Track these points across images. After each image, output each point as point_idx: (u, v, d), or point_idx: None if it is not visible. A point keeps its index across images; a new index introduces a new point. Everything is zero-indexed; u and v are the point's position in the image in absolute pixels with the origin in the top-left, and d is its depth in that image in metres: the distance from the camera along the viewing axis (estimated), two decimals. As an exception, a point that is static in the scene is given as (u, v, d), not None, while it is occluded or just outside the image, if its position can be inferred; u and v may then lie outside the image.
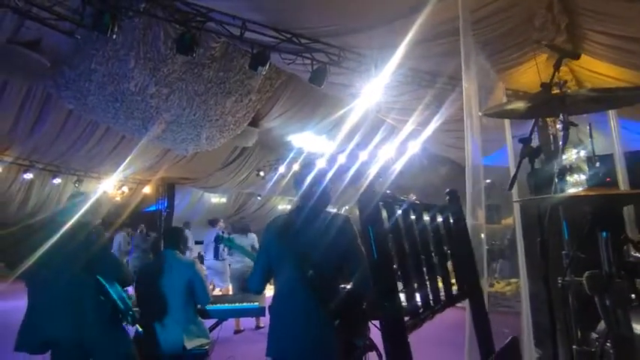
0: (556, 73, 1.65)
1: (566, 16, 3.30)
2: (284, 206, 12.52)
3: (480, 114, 2.11)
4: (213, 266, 5.66)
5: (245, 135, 6.43)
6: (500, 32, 3.62)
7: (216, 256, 5.90)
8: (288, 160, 8.12)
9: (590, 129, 2.61)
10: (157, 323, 2.56)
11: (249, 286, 2.11)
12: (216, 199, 11.52)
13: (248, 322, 5.09)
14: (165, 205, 9.52)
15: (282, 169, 8.66)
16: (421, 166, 8.53)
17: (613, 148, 4.58)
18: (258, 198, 11.87)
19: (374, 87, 4.52)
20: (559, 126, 1.51)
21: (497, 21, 3.49)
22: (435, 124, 4.33)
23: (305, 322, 1.81)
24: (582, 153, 5.03)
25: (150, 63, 4.55)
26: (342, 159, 7.61)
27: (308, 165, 2.14)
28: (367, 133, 6.59)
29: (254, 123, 6.46)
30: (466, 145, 2.10)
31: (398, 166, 7.50)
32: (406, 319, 0.96)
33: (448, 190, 1.30)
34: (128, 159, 7.01)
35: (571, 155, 5.17)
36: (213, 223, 7.19)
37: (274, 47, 4.10)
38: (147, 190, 9.50)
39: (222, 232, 3.01)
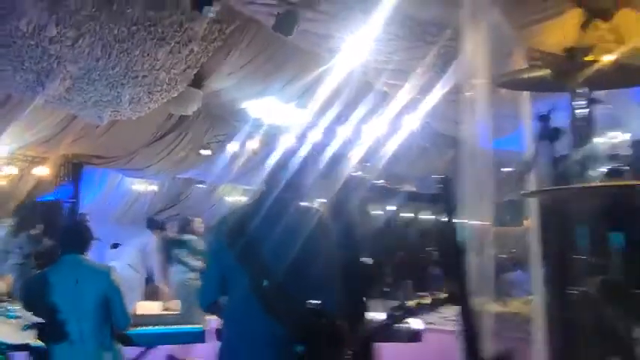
0: (587, 36, 1.79)
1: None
2: (237, 198, 12.54)
3: (488, 82, 2.22)
4: (125, 279, 5.72)
5: (184, 99, 6.39)
6: None
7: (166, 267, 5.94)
8: (242, 135, 8.11)
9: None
10: (58, 355, 2.59)
11: (199, 301, 2.20)
12: (141, 186, 11.38)
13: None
14: (70, 192, 9.33)
15: (234, 146, 8.64)
16: (421, 148, 8.72)
17: None
18: (201, 186, 11.83)
19: (360, 40, 4.59)
20: (580, 102, 1.64)
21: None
22: (438, 92, 4.46)
23: (263, 349, 1.91)
24: (627, 136, 5.37)
25: (49, -7, 4.45)
26: (316, 135, 7.68)
27: (274, 142, 2.24)
28: (351, 102, 6.69)
29: (197, 83, 6.42)
30: (466, 122, 2.22)
31: (391, 148, 7.64)
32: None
33: (440, 176, 1.42)
34: (14, 127, 6.83)
35: (611, 139, 5.48)
36: (153, 225, 7.15)
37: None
38: (42, 171, 9.26)
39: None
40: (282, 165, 2.10)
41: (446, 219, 1.40)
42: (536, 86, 2.00)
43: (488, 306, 4.49)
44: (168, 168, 9.78)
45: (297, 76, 6.30)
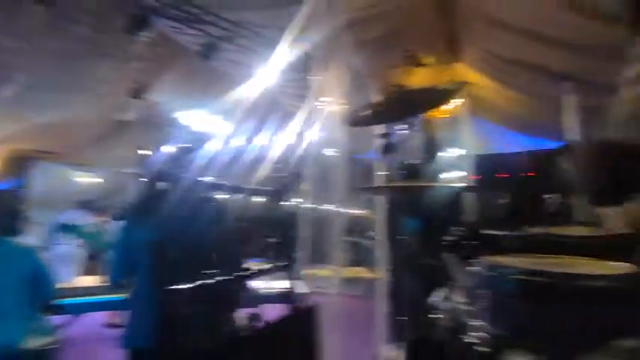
0: (416, 77, 1.97)
1: (448, 27, 3.85)
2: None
3: (343, 109, 2.37)
4: (66, 256, 5.30)
5: (125, 107, 6.04)
6: (385, 32, 4.06)
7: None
8: (176, 139, 7.81)
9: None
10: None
11: (109, 277, 2.11)
12: (88, 178, 10.57)
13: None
14: (16, 183, 8.43)
15: (169, 148, 8.29)
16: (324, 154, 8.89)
17: (484, 148, 5.55)
18: (141, 179, 11.23)
19: (270, 69, 4.64)
20: (401, 126, 1.80)
21: (386, 20, 3.89)
22: (324, 114, 4.61)
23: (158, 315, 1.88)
24: (462, 151, 5.96)
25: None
26: (237, 142, 7.60)
27: (200, 146, 2.24)
28: (267, 117, 6.70)
29: (136, 94, 6.09)
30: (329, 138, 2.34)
31: (297, 155, 7.73)
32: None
33: (279, 175, 1.51)
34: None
35: (452, 153, 6.01)
36: (85, 207, 6.62)
37: (157, 11, 3.96)
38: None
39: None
40: (184, 162, 2.10)
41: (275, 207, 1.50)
42: (377, 119, 2.11)
43: (361, 273, 4.72)
44: (112, 164, 9.18)
45: (223, 94, 6.19)
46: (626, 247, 1.76)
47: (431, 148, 5.91)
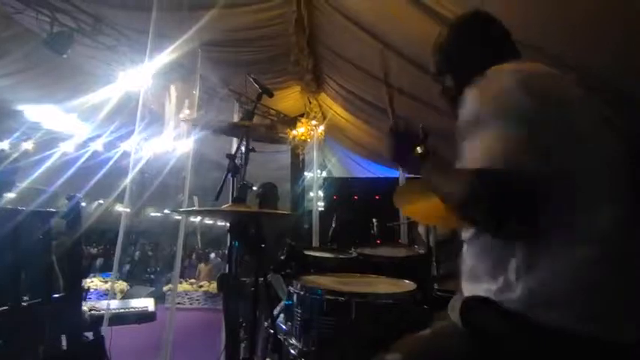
0: (255, 104, 2.01)
1: (312, 60, 4.11)
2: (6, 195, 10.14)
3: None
4: None
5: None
6: (268, 56, 4.18)
7: None
8: (16, 134, 6.61)
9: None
10: None
11: None
12: None
13: None
14: None
15: (4, 145, 6.97)
16: (206, 165, 8.57)
17: (342, 171, 5.99)
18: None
19: (139, 73, 4.31)
20: (242, 148, 1.81)
21: (265, 46, 4.01)
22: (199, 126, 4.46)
23: None
24: (324, 174, 6.33)
25: None
26: (97, 146, 6.85)
27: (52, 146, 1.91)
28: (133, 121, 6.17)
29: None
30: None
31: (173, 163, 7.28)
32: None
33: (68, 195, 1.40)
34: None
35: (315, 175, 6.33)
36: None
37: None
38: None
39: None
40: None
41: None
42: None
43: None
44: None
45: (79, 91, 5.51)
46: (418, 267, 2.04)
47: (295, 170, 6.18)
